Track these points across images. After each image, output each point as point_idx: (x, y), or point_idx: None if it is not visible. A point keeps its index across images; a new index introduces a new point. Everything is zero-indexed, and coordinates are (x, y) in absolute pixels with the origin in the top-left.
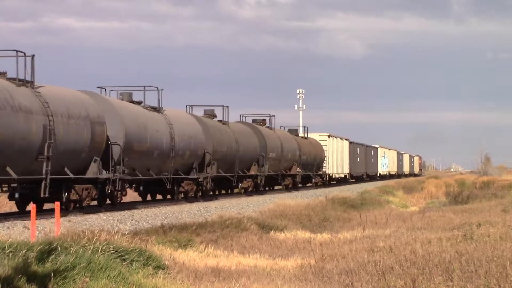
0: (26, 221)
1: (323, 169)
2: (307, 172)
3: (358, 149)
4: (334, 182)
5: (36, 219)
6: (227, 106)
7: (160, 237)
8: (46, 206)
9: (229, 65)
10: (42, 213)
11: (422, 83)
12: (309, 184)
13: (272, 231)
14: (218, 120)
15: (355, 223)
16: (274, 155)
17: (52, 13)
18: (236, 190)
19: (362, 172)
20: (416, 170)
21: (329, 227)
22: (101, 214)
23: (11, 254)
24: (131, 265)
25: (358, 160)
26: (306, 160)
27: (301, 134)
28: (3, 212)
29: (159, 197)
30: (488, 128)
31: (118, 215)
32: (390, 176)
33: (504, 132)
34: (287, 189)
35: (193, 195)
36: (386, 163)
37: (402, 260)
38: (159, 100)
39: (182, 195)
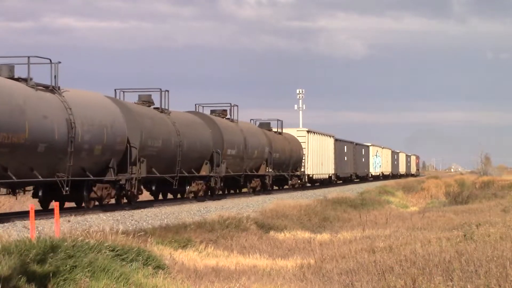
0: (26, 221)
1: (302, 169)
2: (280, 172)
3: (345, 147)
4: (318, 184)
5: (36, 219)
6: (167, 91)
7: (159, 237)
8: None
9: (229, 65)
10: (41, 213)
11: (422, 83)
12: (286, 187)
13: (272, 231)
14: (155, 108)
15: (355, 223)
16: (235, 152)
17: (53, 13)
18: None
19: (350, 172)
20: (413, 170)
21: (329, 227)
22: (101, 214)
23: (9, 254)
24: (131, 265)
25: (345, 159)
26: (279, 159)
27: (275, 129)
28: (3, 212)
29: (70, 204)
30: (488, 128)
31: (118, 215)
32: (384, 177)
33: (504, 132)
34: (254, 192)
35: (114, 202)
36: (378, 162)
37: (402, 260)
38: (55, 77)
39: (96, 202)
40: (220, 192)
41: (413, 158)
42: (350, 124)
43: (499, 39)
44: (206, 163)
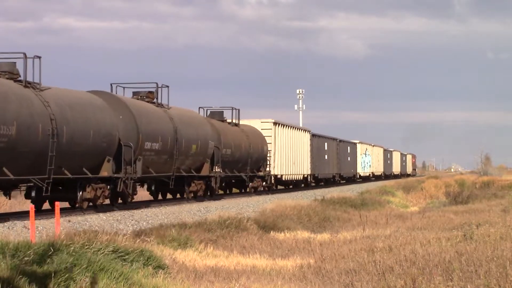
0: (26, 221)
1: (267, 169)
2: (235, 173)
3: (326, 144)
4: (291, 186)
5: (36, 219)
6: (39, 57)
7: (160, 237)
8: (46, 206)
9: (229, 65)
10: (42, 213)
11: (423, 83)
12: (248, 190)
13: (272, 231)
14: (17, 81)
15: (355, 223)
16: (158, 147)
17: (53, 13)
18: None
19: (333, 172)
20: (409, 170)
21: (329, 227)
22: (101, 214)
23: (9, 254)
24: (131, 265)
25: (326, 157)
26: (231, 156)
27: (230, 119)
28: (3, 212)
29: None
30: (488, 128)
31: (118, 215)
32: (375, 178)
33: (505, 132)
34: (196, 198)
35: None
36: (368, 162)
37: (402, 260)
38: None
39: None
40: (152, 198)
41: (408, 157)
42: (350, 124)
43: (499, 39)
44: (109, 161)
